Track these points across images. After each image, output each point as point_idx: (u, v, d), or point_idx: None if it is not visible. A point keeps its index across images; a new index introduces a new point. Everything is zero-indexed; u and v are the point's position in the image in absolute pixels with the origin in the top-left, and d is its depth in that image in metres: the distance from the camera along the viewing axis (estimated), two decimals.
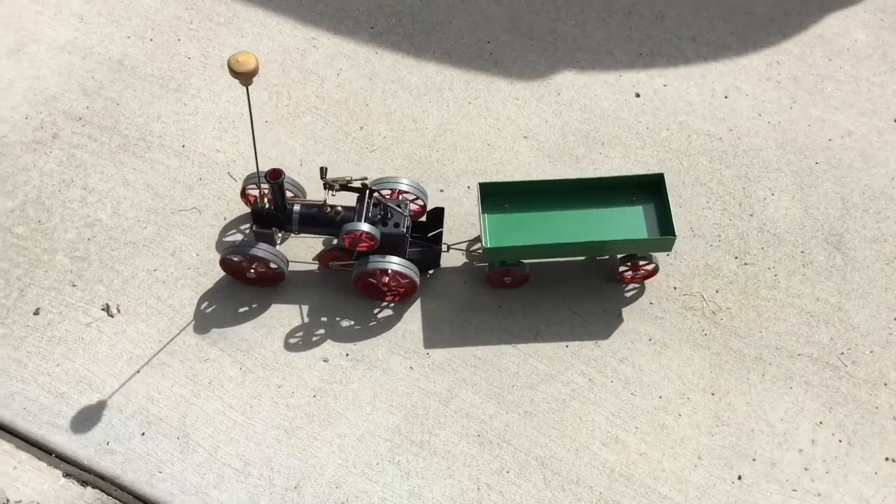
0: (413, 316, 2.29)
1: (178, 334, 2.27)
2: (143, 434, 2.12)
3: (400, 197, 2.29)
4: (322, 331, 2.26)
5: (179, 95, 2.65)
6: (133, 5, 2.83)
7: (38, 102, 2.62)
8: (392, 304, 2.31)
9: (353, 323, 2.28)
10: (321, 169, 2.17)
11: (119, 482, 2.07)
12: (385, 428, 2.13)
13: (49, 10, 2.81)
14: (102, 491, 2.07)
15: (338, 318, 2.28)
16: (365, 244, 2.18)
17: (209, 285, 2.33)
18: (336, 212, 2.21)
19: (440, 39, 2.79)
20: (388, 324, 2.28)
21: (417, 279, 2.22)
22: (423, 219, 2.36)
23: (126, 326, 2.27)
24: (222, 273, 2.32)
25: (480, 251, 2.35)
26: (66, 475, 2.09)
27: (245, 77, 1.82)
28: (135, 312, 2.30)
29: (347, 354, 2.23)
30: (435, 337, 2.25)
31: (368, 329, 2.27)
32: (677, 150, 2.55)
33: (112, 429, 2.12)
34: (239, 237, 2.40)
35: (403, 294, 2.29)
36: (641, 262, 2.24)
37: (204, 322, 2.27)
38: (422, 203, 2.34)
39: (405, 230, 2.20)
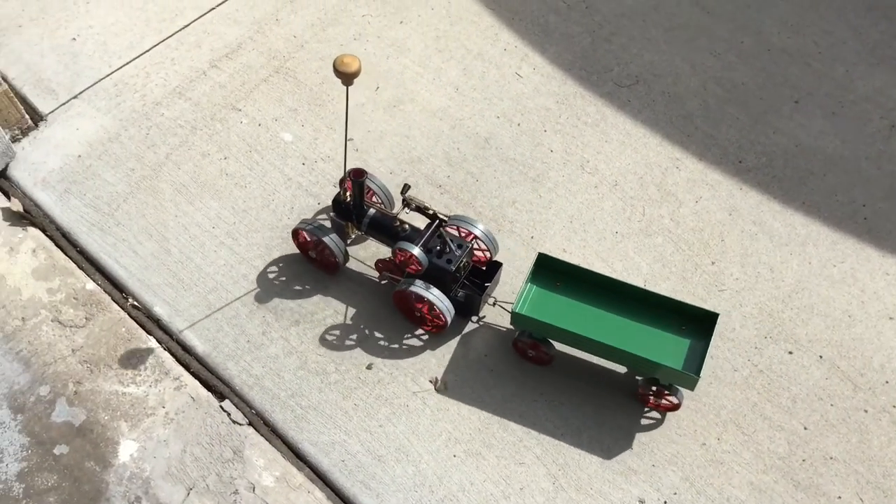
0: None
1: (497, 429, 2.23)
2: None
3: (469, 239, 2.31)
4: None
5: (536, 186, 2.66)
6: (507, 88, 2.89)
7: (403, 160, 2.70)
8: (425, 335, 2.36)
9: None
10: (405, 185, 2.28)
11: None
12: None
13: (429, 74, 2.91)
14: None
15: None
16: (413, 267, 2.26)
17: (534, 385, 2.29)
18: (403, 228, 2.32)
19: (811, 191, 2.66)
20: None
21: (449, 317, 2.27)
22: (484, 268, 2.38)
23: (449, 405, 2.26)
24: (548, 370, 2.27)
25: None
26: None
27: (347, 77, 1.97)
28: (460, 393, 2.28)
29: None
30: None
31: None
32: None
33: None
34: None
35: (435, 327, 2.35)
36: (665, 392, 2.16)
37: (525, 423, 2.22)
38: (489, 254, 2.34)
39: (455, 269, 2.25)
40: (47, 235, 2.57)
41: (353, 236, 2.52)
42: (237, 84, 2.86)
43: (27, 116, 2.75)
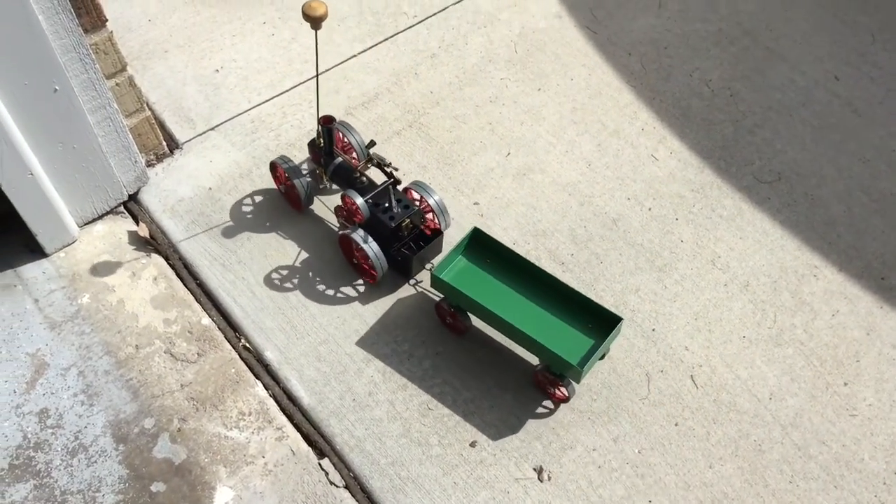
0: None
1: None
2: None
3: (422, 206, 2.46)
4: None
5: (662, 276, 2.57)
6: (640, 169, 2.81)
7: (527, 232, 2.65)
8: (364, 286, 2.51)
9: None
10: (370, 141, 2.50)
11: None
12: None
13: (562, 146, 2.86)
14: None
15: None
16: (357, 216, 2.42)
17: (644, 488, 2.18)
18: (361, 180, 2.49)
19: None
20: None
21: (380, 271, 2.42)
22: (429, 235, 2.49)
23: (552, 498, 2.17)
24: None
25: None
26: None
27: (314, 21, 2.13)
28: (563, 487, 2.19)
29: None
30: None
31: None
32: None
33: None
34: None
35: (369, 277, 2.50)
36: (558, 382, 2.23)
37: None
38: (437, 222, 2.48)
39: (395, 226, 2.40)
40: (170, 264, 2.60)
41: (325, 185, 2.69)
42: (370, 135, 2.85)
43: (164, 143, 2.80)
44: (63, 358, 2.39)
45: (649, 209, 2.71)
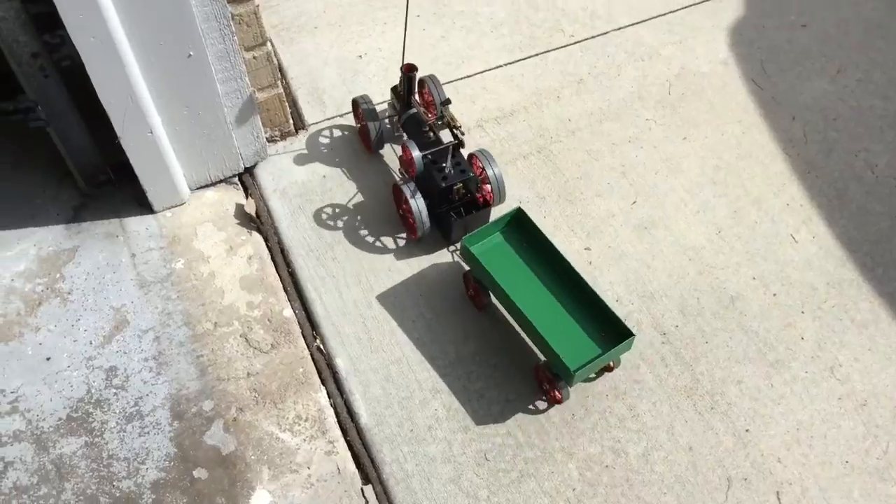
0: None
1: None
2: None
3: (479, 174, 2.42)
4: None
5: (771, 372, 2.34)
6: (775, 248, 2.57)
7: (634, 291, 2.47)
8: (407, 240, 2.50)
9: None
10: (447, 99, 2.48)
11: None
12: None
13: (695, 205, 2.65)
14: None
15: None
16: (411, 168, 2.39)
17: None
18: (428, 135, 2.46)
19: None
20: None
21: (420, 228, 2.39)
22: (480, 204, 2.45)
23: None
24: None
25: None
26: None
27: None
28: None
29: None
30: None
31: None
32: None
33: None
34: None
35: (411, 231, 2.47)
36: (555, 381, 2.16)
37: None
38: (492, 198, 2.44)
39: (445, 187, 2.36)
40: (267, 246, 2.57)
41: (399, 132, 2.66)
42: (496, 152, 2.73)
43: (291, 122, 2.76)
44: (144, 319, 2.40)
45: (774, 294, 2.47)
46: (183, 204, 2.63)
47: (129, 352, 2.35)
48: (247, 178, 2.71)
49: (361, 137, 2.72)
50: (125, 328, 2.39)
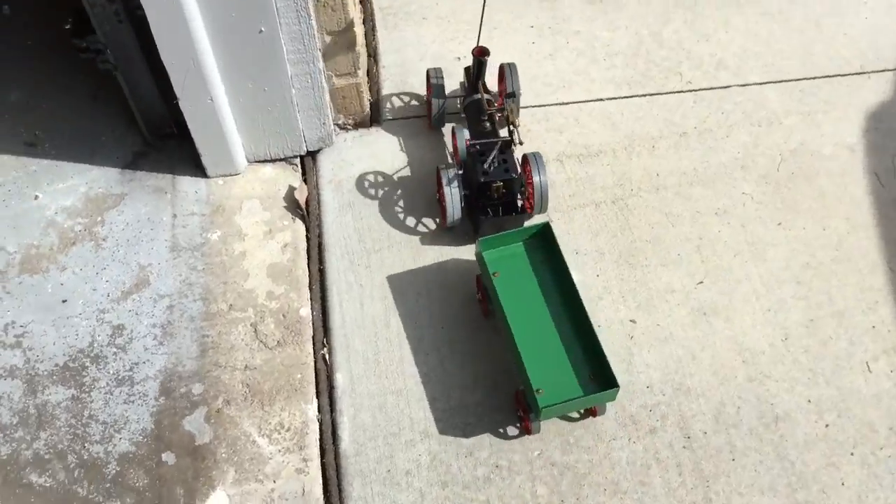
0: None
1: None
2: None
3: (526, 179, 2.32)
4: None
5: None
6: (843, 373, 2.27)
7: (670, 381, 2.24)
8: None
9: None
10: (511, 91, 2.44)
11: None
12: None
13: (767, 301, 2.37)
14: None
15: None
16: (455, 154, 2.39)
17: None
18: (484, 123, 2.40)
19: None
20: None
21: (450, 217, 2.31)
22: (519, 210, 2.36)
23: None
24: None
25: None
26: None
27: None
28: None
29: None
30: None
31: None
32: None
33: None
34: None
35: (442, 218, 2.41)
36: (528, 410, 2.05)
37: None
38: (531, 205, 2.35)
39: (483, 182, 2.27)
40: (307, 237, 2.48)
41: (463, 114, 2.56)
42: (565, 192, 2.53)
43: (367, 113, 2.65)
44: (165, 284, 2.37)
45: (826, 425, 2.19)
46: (237, 174, 2.57)
47: (140, 314, 2.32)
48: (308, 162, 2.62)
49: (427, 109, 2.63)
50: (144, 289, 2.36)
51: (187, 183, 2.55)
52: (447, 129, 2.60)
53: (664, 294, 2.37)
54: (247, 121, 2.45)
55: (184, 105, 2.32)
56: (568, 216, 2.49)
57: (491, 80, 2.58)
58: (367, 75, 2.71)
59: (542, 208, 2.35)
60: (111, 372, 2.23)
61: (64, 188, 2.54)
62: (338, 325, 2.31)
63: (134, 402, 2.18)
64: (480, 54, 2.38)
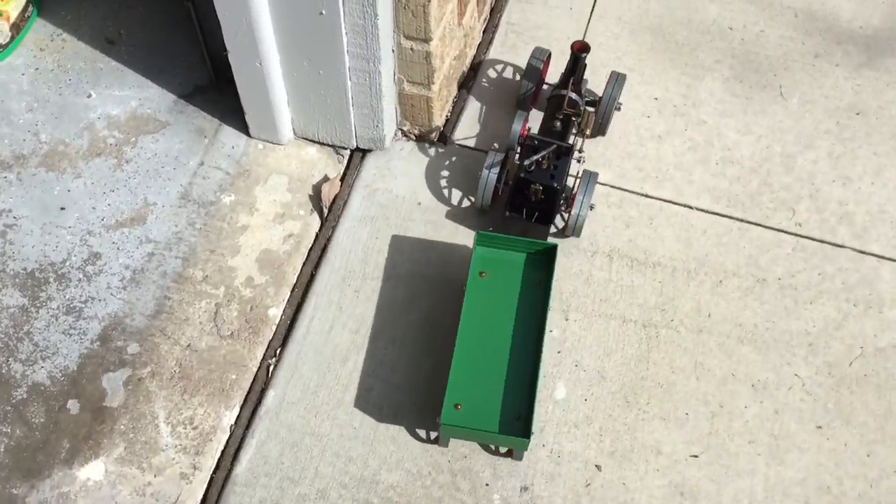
0: None
1: None
2: None
3: (574, 190, 2.18)
4: None
5: None
6: None
7: None
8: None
9: None
10: (596, 100, 2.33)
11: None
12: None
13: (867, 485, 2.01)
14: None
15: None
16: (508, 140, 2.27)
17: None
18: (555, 122, 2.24)
19: None
20: None
21: (479, 200, 2.22)
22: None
23: None
24: None
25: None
26: None
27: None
28: None
29: None
30: None
31: None
32: None
33: None
34: None
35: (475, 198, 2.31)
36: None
37: None
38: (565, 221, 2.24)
39: (522, 179, 2.14)
40: (315, 235, 2.32)
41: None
42: (598, 294, 2.22)
43: (435, 128, 2.42)
44: (159, 231, 2.28)
45: None
46: (282, 144, 2.43)
47: (121, 249, 2.25)
48: (356, 157, 2.43)
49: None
50: (137, 226, 2.29)
51: (229, 135, 2.44)
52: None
53: (648, 452, 2.05)
54: (299, 97, 2.29)
55: (233, 59, 2.20)
56: (587, 321, 2.19)
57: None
58: (461, 88, 2.49)
59: (575, 232, 2.21)
60: (67, 297, 2.17)
61: (117, 97, 2.49)
62: (297, 340, 2.15)
63: (71, 336, 2.12)
64: (580, 49, 2.23)
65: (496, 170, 2.20)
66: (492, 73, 2.58)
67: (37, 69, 2.53)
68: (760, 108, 2.52)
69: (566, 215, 2.23)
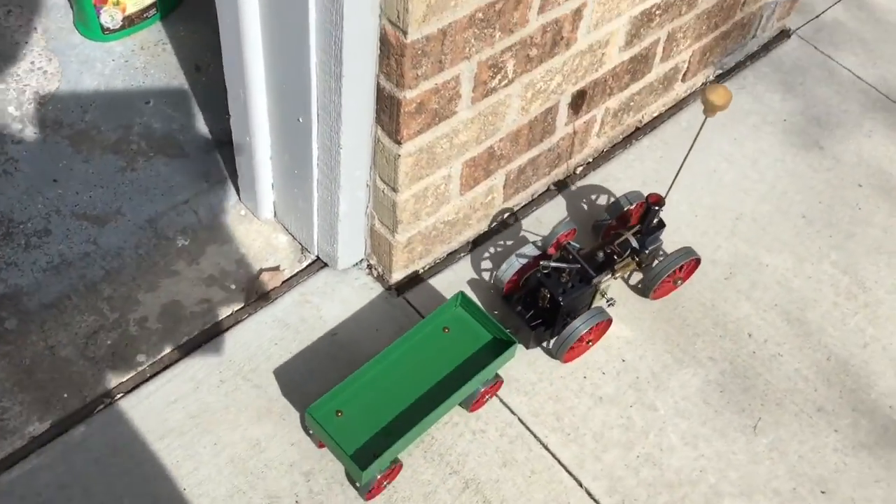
0: None
1: None
2: None
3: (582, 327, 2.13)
4: None
5: None
6: None
7: None
8: None
9: None
10: (633, 256, 2.20)
11: None
12: None
13: None
14: None
15: None
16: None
17: None
18: (598, 254, 2.17)
19: None
20: None
21: (499, 272, 2.24)
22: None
23: None
24: None
25: None
26: None
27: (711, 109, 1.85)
28: None
29: None
30: None
31: None
32: None
33: None
34: None
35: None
36: None
37: None
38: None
39: (541, 275, 2.12)
40: (230, 314, 2.32)
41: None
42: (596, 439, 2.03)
43: (392, 276, 2.36)
44: (108, 239, 2.39)
45: None
46: (257, 221, 2.47)
47: (69, 238, 2.38)
48: (317, 265, 2.42)
49: None
50: (95, 226, 2.41)
51: (226, 190, 2.52)
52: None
53: None
54: (281, 184, 2.32)
55: (232, 124, 2.27)
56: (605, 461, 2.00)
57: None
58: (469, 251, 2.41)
59: (557, 355, 2.19)
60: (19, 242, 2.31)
61: (167, 115, 2.64)
62: (139, 394, 2.15)
63: (36, 248, 2.25)
64: (656, 202, 2.17)
65: (518, 260, 2.22)
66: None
67: (126, 61, 2.75)
68: (723, 429, 2.21)
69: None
